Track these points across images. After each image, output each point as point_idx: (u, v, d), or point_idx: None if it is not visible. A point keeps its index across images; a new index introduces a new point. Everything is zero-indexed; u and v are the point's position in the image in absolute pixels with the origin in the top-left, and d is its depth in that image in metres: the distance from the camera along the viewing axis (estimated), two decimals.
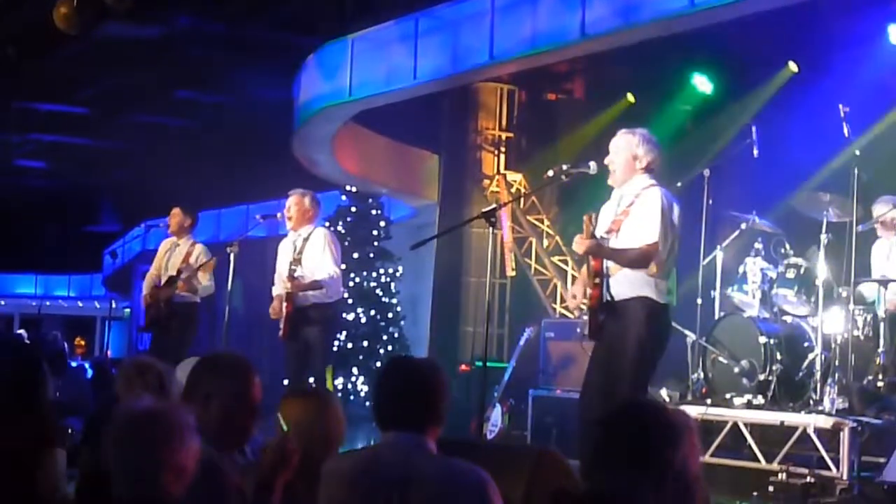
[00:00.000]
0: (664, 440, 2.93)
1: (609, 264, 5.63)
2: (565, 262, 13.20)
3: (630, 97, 12.51)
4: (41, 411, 3.88)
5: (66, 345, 16.22)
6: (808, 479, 6.91)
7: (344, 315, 14.85)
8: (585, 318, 5.76)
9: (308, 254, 7.89)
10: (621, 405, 3.17)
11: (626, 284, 5.55)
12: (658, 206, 5.54)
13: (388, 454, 3.09)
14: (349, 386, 15.09)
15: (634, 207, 5.63)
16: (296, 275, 7.83)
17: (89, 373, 12.32)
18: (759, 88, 11.26)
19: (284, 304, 7.83)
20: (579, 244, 5.59)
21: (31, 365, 3.99)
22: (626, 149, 5.71)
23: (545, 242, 13.64)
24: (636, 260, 5.53)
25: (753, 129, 8.89)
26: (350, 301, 15.10)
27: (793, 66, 10.94)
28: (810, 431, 7.12)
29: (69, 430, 4.94)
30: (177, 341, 9.10)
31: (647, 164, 5.71)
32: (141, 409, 2.98)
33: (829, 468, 6.93)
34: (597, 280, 5.59)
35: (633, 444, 2.89)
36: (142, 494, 2.88)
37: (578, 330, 6.02)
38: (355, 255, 15.56)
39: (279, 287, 8.03)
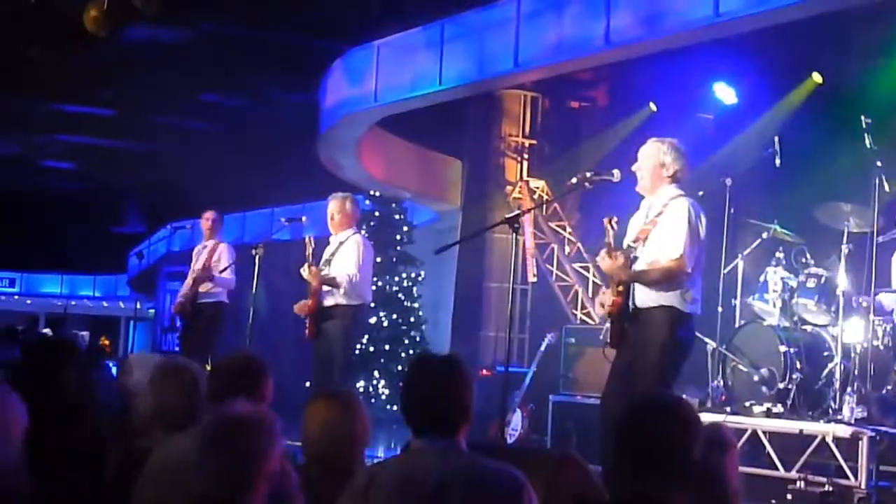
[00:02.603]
0: (683, 435, 2.93)
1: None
2: (586, 269, 13.24)
3: (652, 106, 12.54)
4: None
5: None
6: (827, 487, 6.93)
7: None
8: (608, 325, 5.75)
9: (339, 257, 7.95)
10: (635, 404, 3.18)
11: (651, 292, 5.58)
12: (685, 217, 5.56)
13: (423, 460, 3.06)
14: (370, 389, 15.18)
15: (662, 217, 5.66)
16: (322, 273, 7.88)
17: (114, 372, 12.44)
18: (781, 98, 11.28)
19: (309, 301, 7.88)
20: (606, 264, 5.61)
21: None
22: (654, 156, 5.74)
23: (567, 249, 13.69)
24: (660, 280, 5.56)
25: (776, 138, 8.92)
26: (372, 304, 15.18)
27: (817, 77, 10.96)
28: (829, 440, 7.14)
29: None
30: (203, 341, 9.25)
31: (674, 173, 5.73)
32: (242, 415, 2.83)
33: (847, 477, 6.96)
34: (620, 288, 5.62)
35: (652, 442, 2.90)
36: (235, 498, 2.74)
37: (601, 337, 6.03)
38: (378, 259, 15.60)
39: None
